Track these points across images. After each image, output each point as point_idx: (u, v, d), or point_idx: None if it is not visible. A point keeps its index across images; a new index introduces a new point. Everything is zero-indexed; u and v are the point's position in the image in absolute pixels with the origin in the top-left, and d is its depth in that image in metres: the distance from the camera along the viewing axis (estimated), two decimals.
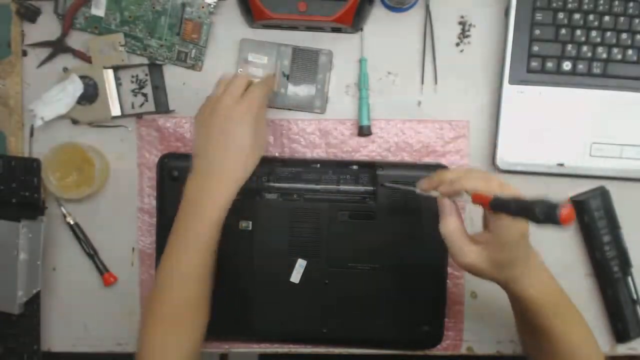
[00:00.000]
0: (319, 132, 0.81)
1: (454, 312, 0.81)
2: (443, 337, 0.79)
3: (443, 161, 0.80)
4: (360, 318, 0.78)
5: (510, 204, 0.54)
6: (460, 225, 0.60)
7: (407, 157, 0.80)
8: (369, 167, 0.77)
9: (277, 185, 0.78)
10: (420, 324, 0.78)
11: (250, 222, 0.77)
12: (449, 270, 0.79)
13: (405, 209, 0.76)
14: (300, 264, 0.77)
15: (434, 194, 0.62)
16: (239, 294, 0.78)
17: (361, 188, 0.77)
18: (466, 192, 0.58)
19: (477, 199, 0.57)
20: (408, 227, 0.76)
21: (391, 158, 0.80)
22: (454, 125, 0.80)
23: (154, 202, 0.81)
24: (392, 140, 0.81)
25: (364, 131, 0.79)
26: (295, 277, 0.77)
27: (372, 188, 0.77)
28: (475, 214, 0.81)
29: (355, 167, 0.78)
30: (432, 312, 0.78)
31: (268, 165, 0.78)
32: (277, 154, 0.81)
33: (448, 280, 0.79)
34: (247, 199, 0.77)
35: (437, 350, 0.80)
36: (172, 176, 0.77)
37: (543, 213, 0.50)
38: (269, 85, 0.74)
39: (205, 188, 0.68)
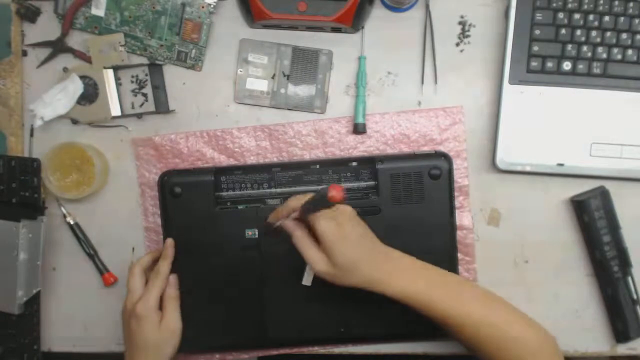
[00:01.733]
0: (315, 133, 0.81)
1: None
2: None
3: (442, 148, 0.80)
4: (377, 312, 0.78)
5: (308, 204, 0.64)
6: (305, 234, 0.67)
7: (405, 149, 0.80)
8: (369, 162, 0.77)
9: (278, 190, 0.78)
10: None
11: (256, 230, 0.77)
12: (459, 256, 0.79)
13: (409, 199, 0.76)
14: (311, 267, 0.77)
15: (281, 222, 0.69)
16: (251, 304, 0.78)
17: (363, 184, 0.78)
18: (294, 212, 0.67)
19: (298, 215, 0.66)
20: (413, 217, 0.76)
21: (389, 151, 0.81)
22: (448, 112, 0.80)
23: (159, 221, 0.81)
24: (389, 133, 0.81)
25: (358, 129, 0.79)
26: (307, 279, 0.77)
27: (373, 183, 0.77)
28: (475, 213, 0.81)
29: (354, 163, 0.78)
30: None
31: (267, 172, 0.78)
32: (275, 159, 0.81)
33: (460, 267, 0.79)
34: (250, 207, 0.77)
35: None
36: (174, 193, 0.77)
37: (321, 197, 0.60)
38: (161, 277, 0.76)
39: None
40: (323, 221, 0.64)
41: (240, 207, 0.78)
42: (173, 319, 0.75)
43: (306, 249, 0.66)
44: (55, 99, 0.78)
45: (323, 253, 0.65)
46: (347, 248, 0.64)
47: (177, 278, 0.77)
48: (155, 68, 0.81)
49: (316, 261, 0.65)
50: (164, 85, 0.82)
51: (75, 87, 0.79)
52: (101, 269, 0.82)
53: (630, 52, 0.76)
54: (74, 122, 0.82)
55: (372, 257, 0.66)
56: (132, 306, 0.73)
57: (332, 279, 0.66)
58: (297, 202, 0.67)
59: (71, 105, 0.79)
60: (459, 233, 0.79)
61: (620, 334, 0.79)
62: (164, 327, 0.74)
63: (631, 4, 0.76)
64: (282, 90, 0.81)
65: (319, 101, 0.81)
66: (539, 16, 0.76)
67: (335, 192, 0.58)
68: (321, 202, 0.61)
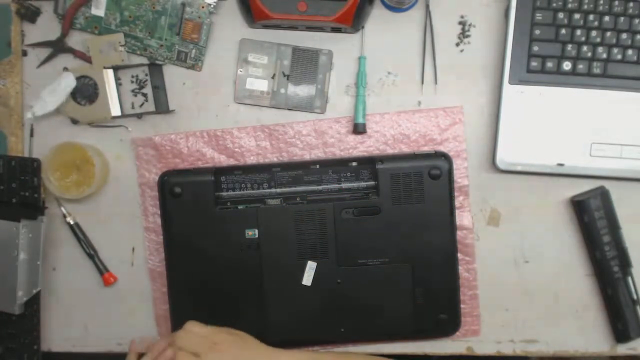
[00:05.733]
0: (315, 133, 0.81)
1: (469, 297, 0.81)
2: (461, 323, 0.79)
3: (442, 148, 0.80)
4: (377, 313, 0.78)
5: None
6: None
7: (405, 149, 0.80)
8: (369, 162, 0.77)
9: (278, 190, 0.78)
10: (437, 313, 0.78)
11: (256, 230, 0.77)
12: (459, 256, 0.79)
13: (409, 199, 0.76)
14: (311, 266, 0.77)
15: None
16: (251, 303, 0.78)
17: (363, 184, 0.78)
18: None
19: None
20: (413, 217, 0.77)
21: (389, 151, 0.81)
22: (448, 112, 0.80)
23: (159, 221, 0.81)
24: (389, 133, 0.81)
25: (358, 129, 0.79)
26: (307, 279, 0.77)
27: (373, 182, 0.77)
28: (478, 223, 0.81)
29: (354, 163, 0.78)
30: (447, 299, 0.78)
31: (267, 172, 0.78)
32: (275, 159, 0.81)
33: (460, 267, 0.79)
34: (250, 207, 0.77)
35: (457, 337, 0.80)
36: (174, 193, 0.77)
37: None
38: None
39: None
40: None
41: (240, 207, 0.78)
42: None
43: None
44: (47, 95, 0.78)
45: None
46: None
47: None
48: (155, 68, 0.81)
49: None
50: (164, 85, 0.82)
51: (67, 82, 0.78)
52: (101, 269, 0.82)
53: (630, 52, 0.76)
54: (74, 122, 0.82)
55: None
56: None
57: None
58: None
59: (62, 101, 0.79)
60: (459, 233, 0.79)
61: (620, 334, 0.79)
62: None
63: (631, 4, 0.75)
64: (282, 90, 0.81)
65: (319, 101, 0.81)
66: (539, 16, 0.76)
67: None
68: None
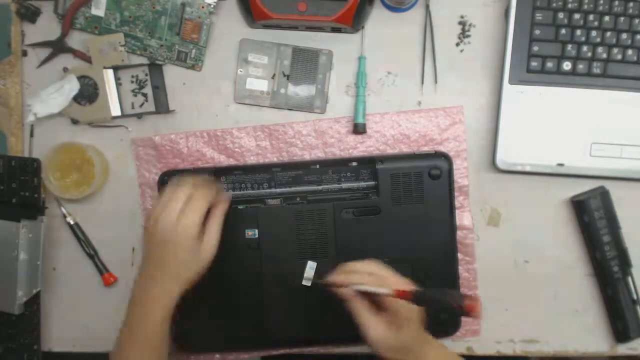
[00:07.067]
0: (315, 133, 0.81)
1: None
2: (461, 323, 0.79)
3: (442, 148, 0.80)
4: None
5: (431, 301, 0.62)
6: (366, 302, 0.65)
7: (405, 149, 0.80)
8: (369, 162, 0.77)
9: (278, 190, 0.78)
10: (437, 313, 0.78)
11: (256, 230, 0.77)
12: (459, 256, 0.79)
13: (409, 199, 0.76)
14: (311, 266, 0.77)
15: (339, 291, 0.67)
16: (252, 303, 0.78)
17: (363, 184, 0.78)
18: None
19: (399, 294, 0.63)
20: (413, 217, 0.77)
21: (389, 151, 0.81)
22: (448, 112, 0.80)
23: None
24: (389, 133, 0.81)
25: (358, 129, 0.79)
26: (307, 279, 0.77)
27: (373, 183, 0.77)
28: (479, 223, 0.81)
29: (354, 163, 0.78)
30: None
31: (267, 172, 0.78)
32: (275, 159, 0.81)
33: (460, 267, 0.79)
34: (250, 207, 0.77)
35: (457, 337, 0.80)
36: None
37: (452, 307, 0.60)
38: (210, 193, 0.70)
39: (150, 290, 0.69)
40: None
41: (240, 207, 0.78)
42: (214, 242, 0.69)
43: (367, 316, 0.65)
44: (50, 97, 0.79)
45: (384, 324, 0.65)
46: (415, 326, 0.65)
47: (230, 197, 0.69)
48: (155, 68, 0.81)
49: (374, 328, 0.64)
50: (164, 85, 0.82)
51: (71, 87, 0.79)
52: (101, 269, 0.82)
53: (630, 52, 0.76)
54: (74, 122, 0.82)
55: (423, 338, 0.68)
56: (172, 219, 0.66)
57: (382, 347, 0.65)
58: (358, 278, 0.66)
59: (65, 104, 0.79)
60: (459, 233, 0.79)
61: (620, 334, 0.79)
62: (203, 250, 0.68)
63: (631, 4, 0.75)
64: (282, 90, 0.81)
65: (319, 101, 0.81)
66: (539, 16, 0.76)
67: (474, 311, 0.59)
68: (446, 305, 0.61)
